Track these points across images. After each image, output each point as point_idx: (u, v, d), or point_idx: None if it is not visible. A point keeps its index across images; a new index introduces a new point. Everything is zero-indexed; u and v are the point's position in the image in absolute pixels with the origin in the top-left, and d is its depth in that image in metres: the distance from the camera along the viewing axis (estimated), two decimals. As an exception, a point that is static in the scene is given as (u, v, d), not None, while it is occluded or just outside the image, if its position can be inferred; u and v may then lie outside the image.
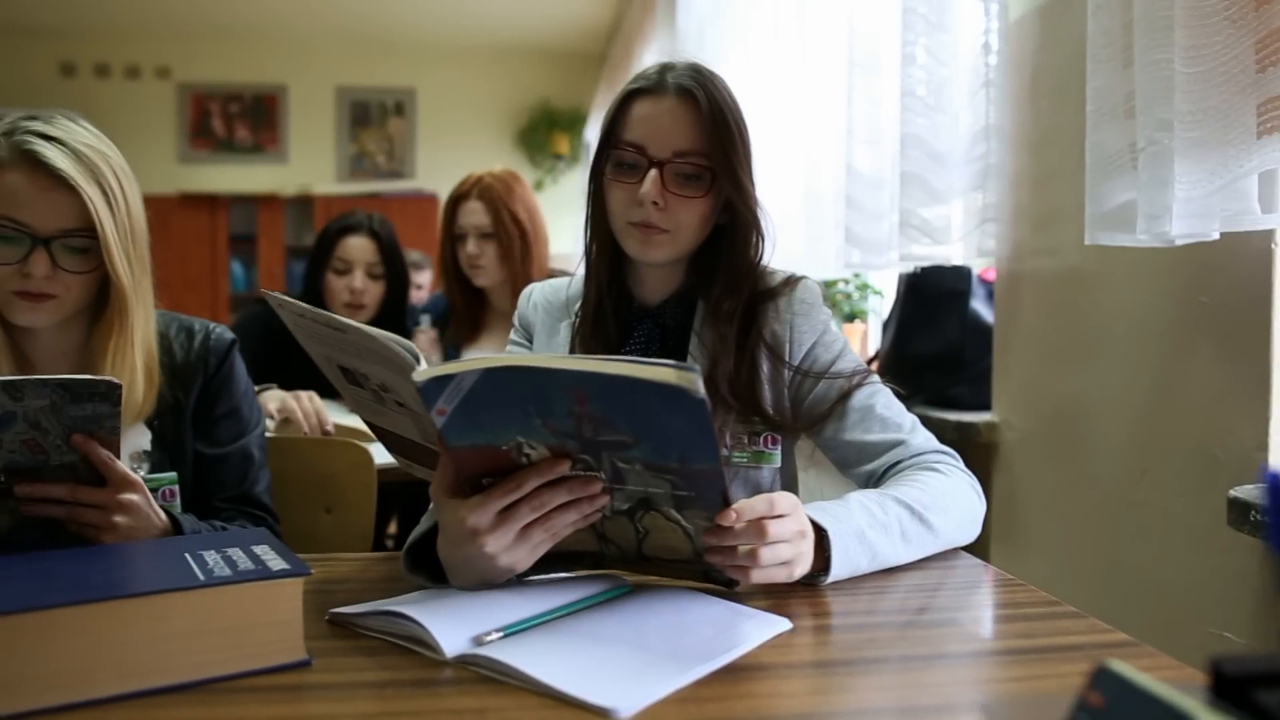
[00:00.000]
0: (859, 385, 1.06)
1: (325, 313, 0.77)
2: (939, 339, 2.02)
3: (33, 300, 1.03)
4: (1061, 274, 1.58)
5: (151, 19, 5.55)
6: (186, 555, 0.72)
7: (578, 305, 1.16)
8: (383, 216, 2.26)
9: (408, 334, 2.20)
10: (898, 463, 1.02)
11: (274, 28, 5.71)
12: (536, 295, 1.20)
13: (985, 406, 1.82)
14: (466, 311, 2.10)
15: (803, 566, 0.81)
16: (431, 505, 0.96)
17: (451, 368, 0.68)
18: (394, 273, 2.18)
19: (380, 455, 1.47)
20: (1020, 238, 1.70)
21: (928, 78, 1.73)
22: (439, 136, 6.06)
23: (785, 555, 0.79)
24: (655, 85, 1.06)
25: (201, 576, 0.65)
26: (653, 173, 1.03)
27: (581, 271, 1.21)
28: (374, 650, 0.71)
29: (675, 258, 1.09)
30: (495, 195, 2.05)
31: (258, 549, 0.74)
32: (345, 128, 6.05)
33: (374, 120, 6.08)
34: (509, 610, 0.74)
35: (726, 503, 0.74)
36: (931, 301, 2.03)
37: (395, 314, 2.17)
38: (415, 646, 0.70)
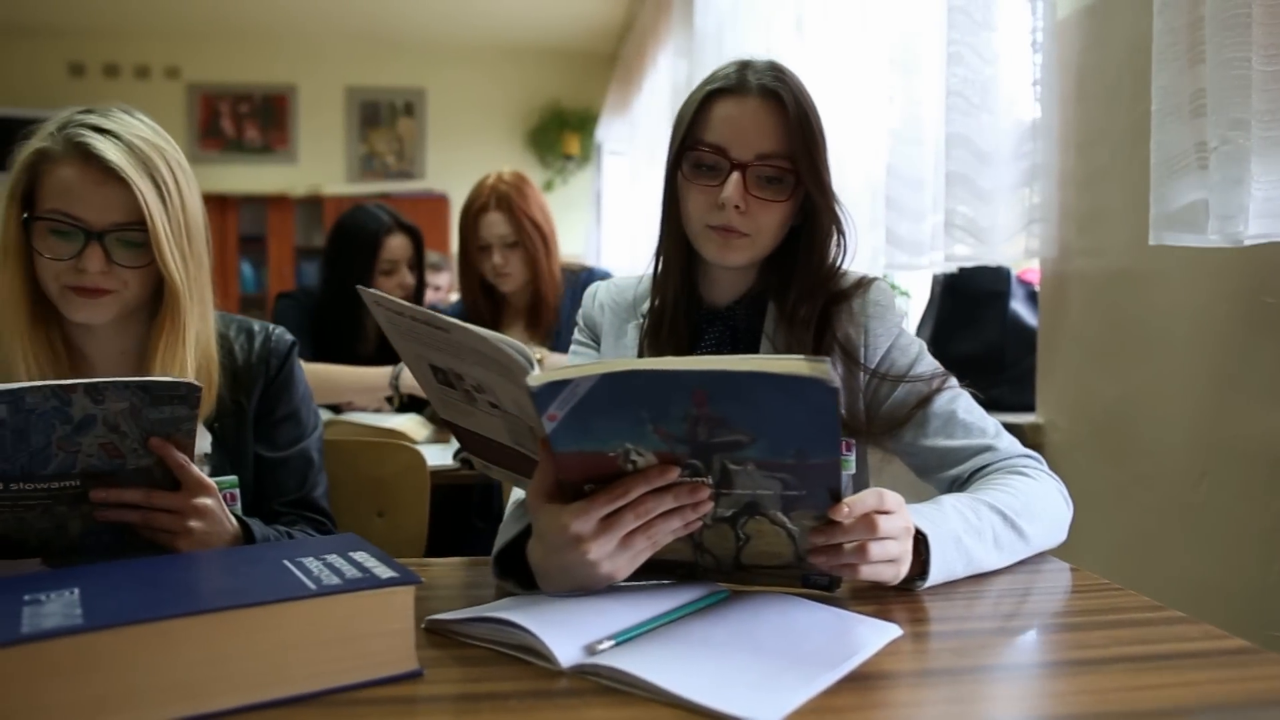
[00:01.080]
0: (939, 390, 1.04)
1: (428, 311, 0.75)
2: (978, 340, 2.00)
3: (88, 296, 1.02)
4: (1110, 274, 1.57)
5: (161, 19, 5.53)
6: (286, 563, 0.70)
7: (644, 306, 1.15)
8: (412, 223, 2.28)
9: None
10: (984, 467, 1.00)
11: (283, 28, 5.69)
12: (602, 295, 1.19)
13: (1027, 408, 1.81)
14: (488, 316, 2.10)
15: (906, 566, 0.80)
16: (509, 510, 0.95)
17: (568, 373, 0.66)
18: (421, 267, 2.24)
19: (433, 458, 1.46)
20: (1066, 238, 1.69)
21: (974, 77, 1.72)
22: (449, 137, 6.05)
23: (893, 552, 0.78)
24: (737, 85, 1.04)
25: (313, 586, 0.64)
26: (735, 175, 1.02)
27: (645, 271, 1.20)
28: (480, 660, 0.69)
29: (753, 261, 1.07)
30: (513, 203, 2.05)
31: (356, 555, 0.72)
32: (355, 128, 6.03)
33: (384, 120, 6.06)
34: (613, 617, 0.72)
35: (837, 498, 0.73)
36: (970, 302, 2.02)
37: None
38: (524, 655, 0.68)
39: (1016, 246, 1.74)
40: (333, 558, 0.71)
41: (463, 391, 0.82)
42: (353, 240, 2.23)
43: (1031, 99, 1.68)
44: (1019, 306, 1.99)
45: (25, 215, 1.01)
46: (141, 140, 1.02)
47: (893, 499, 0.78)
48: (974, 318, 1.99)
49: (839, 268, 1.08)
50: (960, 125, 1.73)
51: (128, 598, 0.62)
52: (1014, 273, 2.02)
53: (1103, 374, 1.59)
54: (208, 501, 0.92)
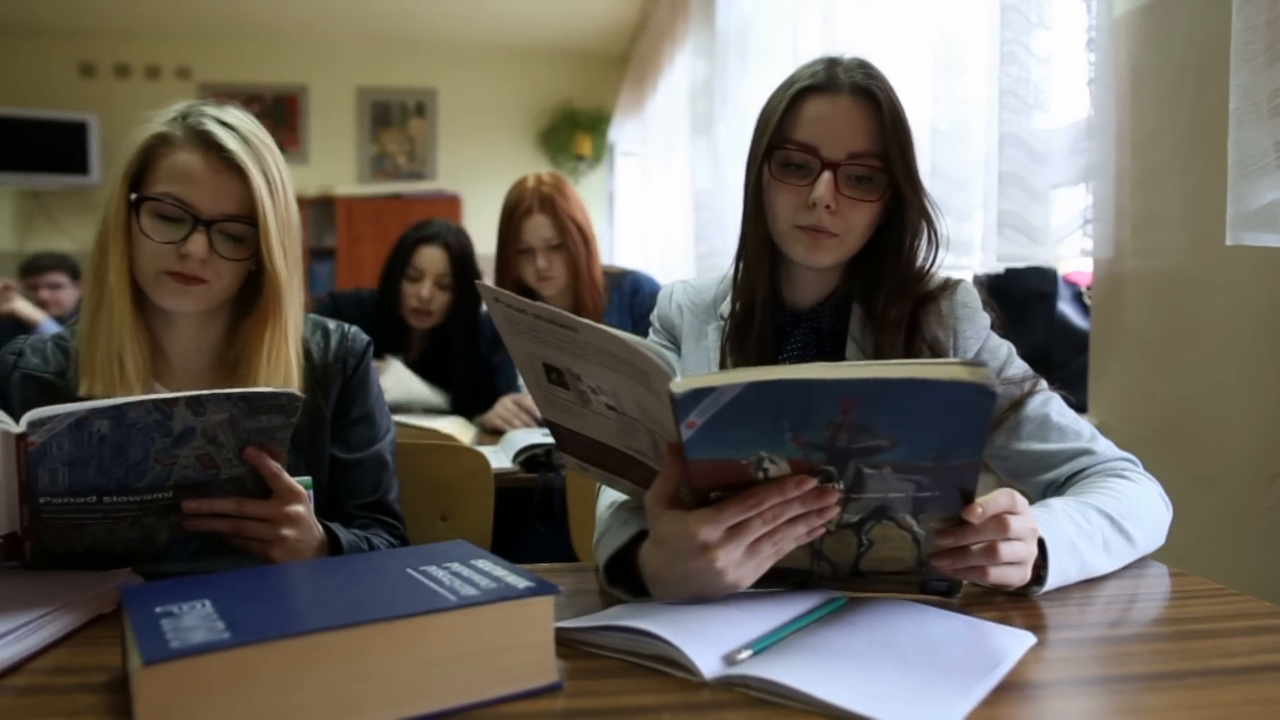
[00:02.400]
0: (1031, 393, 1.03)
1: (555, 310, 0.74)
2: (1025, 341, 1.97)
3: (183, 282, 1.02)
4: (1169, 275, 1.56)
5: (171, 19, 5.50)
6: (412, 572, 0.68)
7: (723, 308, 1.13)
8: (460, 230, 2.27)
9: (475, 347, 2.18)
10: (1081, 471, 0.99)
11: (294, 28, 5.67)
12: (679, 296, 1.17)
13: (1078, 409, 1.79)
14: None
15: (1029, 569, 0.79)
16: (607, 515, 0.93)
17: (714, 380, 0.65)
18: (464, 285, 2.20)
19: (494, 462, 1.44)
20: (1121, 238, 1.68)
21: (1027, 76, 1.71)
22: (460, 137, 6.02)
23: (1021, 554, 0.76)
24: (827, 82, 1.02)
25: (452, 597, 0.62)
26: (826, 175, 1.00)
27: (722, 272, 1.18)
28: (615, 671, 0.67)
29: (840, 262, 1.06)
30: (556, 205, 2.04)
31: (480, 564, 0.70)
32: (366, 128, 6.00)
33: (395, 121, 6.03)
34: (741, 625, 0.71)
35: (970, 499, 0.72)
36: (1016, 303, 2.01)
37: (463, 326, 2.18)
38: (659, 665, 0.67)
39: (1070, 247, 1.73)
40: (457, 566, 0.70)
41: (576, 392, 0.80)
42: (397, 245, 2.25)
43: (1086, 98, 1.66)
44: (1066, 307, 1.97)
45: (134, 197, 1.01)
46: (255, 136, 1.04)
47: (1021, 500, 0.76)
48: (1021, 318, 1.98)
49: (930, 268, 1.07)
50: (1013, 125, 1.71)
51: (266, 611, 0.61)
52: (1060, 273, 2.01)
53: (1160, 375, 1.58)
54: (299, 509, 0.90)
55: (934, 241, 1.06)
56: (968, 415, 0.65)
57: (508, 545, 1.55)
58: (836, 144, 1.00)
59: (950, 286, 1.08)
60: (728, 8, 3.56)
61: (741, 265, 1.10)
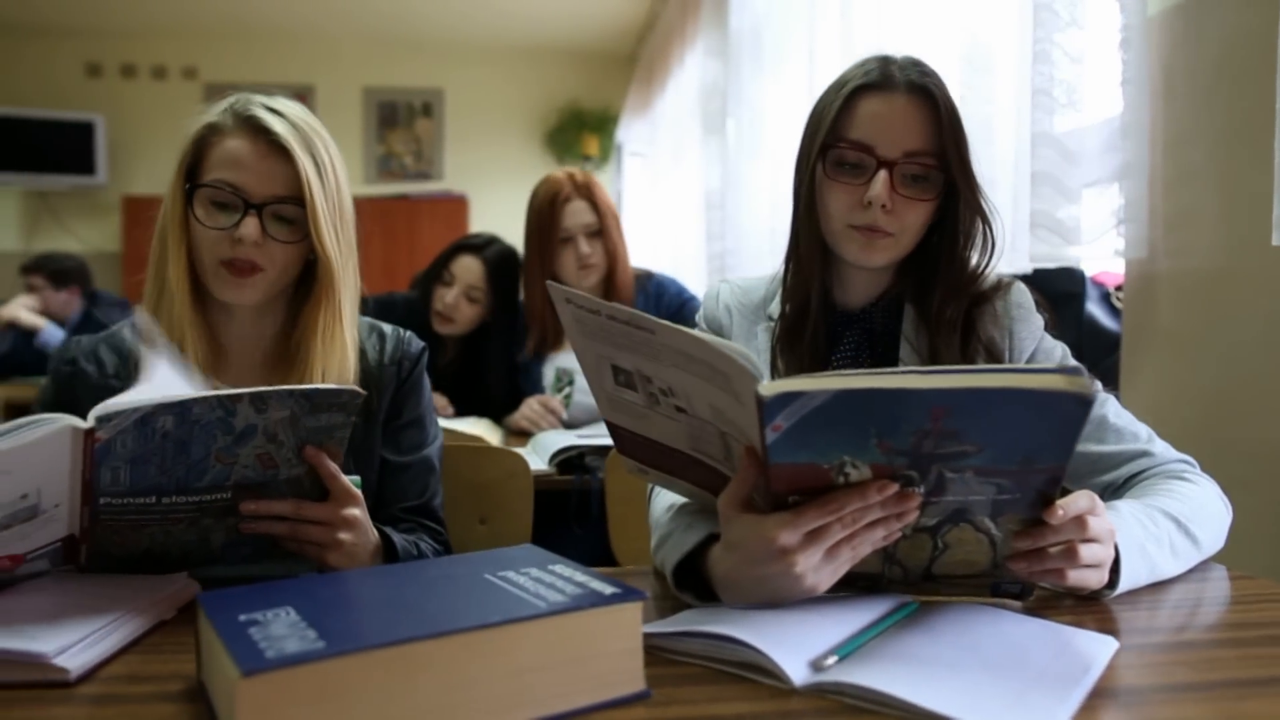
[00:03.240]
0: None
1: (631, 311, 0.73)
2: (1053, 341, 1.98)
3: (239, 274, 1.03)
4: (1204, 275, 1.55)
5: (178, 19, 5.48)
6: (490, 578, 0.67)
7: (772, 308, 1.12)
8: (510, 249, 2.25)
9: (510, 359, 2.17)
10: (1141, 472, 0.98)
11: (300, 28, 5.65)
12: (726, 296, 1.16)
13: (1109, 410, 1.78)
14: (552, 320, 2.07)
15: (1106, 572, 0.78)
16: (666, 518, 0.92)
17: (804, 384, 0.64)
18: (497, 301, 2.19)
19: (536, 463, 1.43)
20: (1155, 238, 1.67)
21: (1060, 75, 1.70)
22: (467, 137, 6.00)
23: (1100, 556, 0.76)
24: (882, 81, 1.01)
25: (542, 604, 0.61)
26: (882, 174, 0.99)
27: (770, 272, 1.17)
28: (700, 677, 0.66)
29: (894, 261, 1.05)
30: (596, 193, 2.03)
31: (558, 569, 0.69)
32: (373, 128, 5.99)
33: (402, 121, 6.02)
34: (821, 630, 0.70)
35: (1049, 501, 0.71)
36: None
37: (501, 340, 2.15)
38: (743, 672, 0.66)
39: (1102, 246, 1.72)
40: (535, 572, 0.69)
41: (646, 394, 0.79)
42: (445, 249, 2.25)
43: (1119, 97, 1.66)
44: (1094, 308, 1.97)
45: (188, 186, 1.03)
46: (303, 121, 1.05)
47: (1100, 503, 0.76)
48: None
49: (985, 269, 1.06)
50: (1046, 124, 1.71)
51: (355, 620, 0.60)
52: (1088, 274, 2.00)
53: (1195, 376, 1.57)
54: (356, 512, 0.89)
55: (990, 241, 1.05)
56: (1061, 423, 0.65)
57: (544, 547, 1.54)
58: (892, 142, 1.00)
59: (1004, 287, 1.07)
60: (741, 7, 3.55)
61: (793, 266, 1.09)
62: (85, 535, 0.81)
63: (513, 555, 0.74)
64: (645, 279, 2.14)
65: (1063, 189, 1.72)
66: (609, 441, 1.59)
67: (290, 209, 1.03)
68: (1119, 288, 2.03)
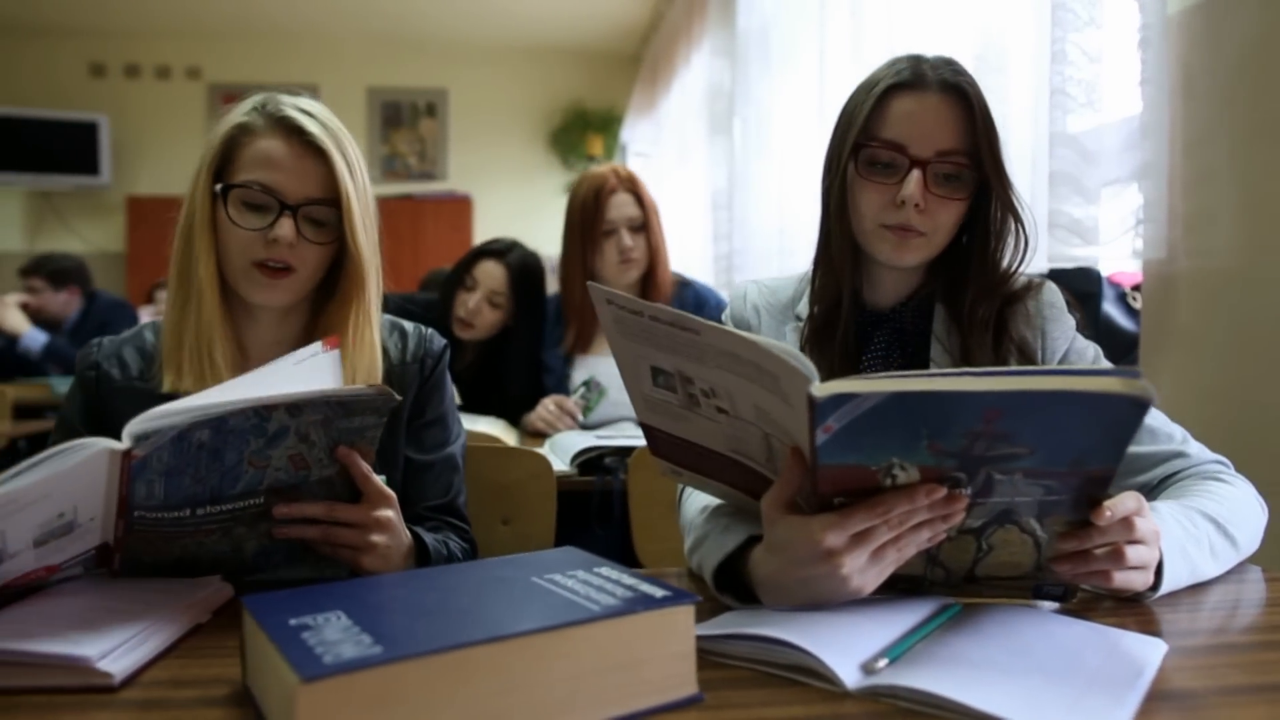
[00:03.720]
0: None
1: (675, 311, 0.72)
2: (1069, 342, 1.98)
3: (271, 276, 1.02)
4: (1225, 276, 1.55)
5: (182, 19, 5.48)
6: (538, 581, 0.67)
7: (800, 307, 1.12)
8: (531, 254, 2.25)
9: (532, 361, 2.16)
10: (1176, 473, 0.98)
11: (304, 28, 5.65)
12: (754, 296, 1.15)
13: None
14: (590, 316, 2.06)
15: (1151, 574, 0.77)
16: (700, 520, 0.91)
17: (858, 386, 0.63)
18: (519, 306, 2.17)
19: (557, 464, 1.43)
20: (1174, 239, 1.67)
21: (1079, 75, 1.69)
22: (471, 137, 5.99)
23: (1145, 558, 0.75)
24: (915, 80, 1.01)
25: (595, 608, 0.60)
26: (915, 173, 0.99)
27: (799, 271, 1.17)
28: (750, 681, 0.66)
29: (926, 261, 1.04)
30: (640, 188, 2.02)
31: (604, 571, 0.69)
32: (377, 128, 5.98)
33: (406, 121, 6.01)
34: (868, 632, 0.69)
35: (1097, 502, 0.71)
36: (1059, 304, 1.99)
37: (524, 346, 2.14)
38: (793, 675, 0.65)
39: (1121, 247, 1.72)
40: (582, 574, 0.68)
41: (686, 396, 0.79)
42: (466, 253, 2.24)
43: (1138, 97, 1.65)
44: (1110, 308, 1.96)
45: (219, 187, 1.01)
46: (332, 121, 1.05)
47: (1146, 504, 0.75)
48: (1064, 319, 1.97)
49: (1018, 268, 1.06)
50: (1064, 124, 1.70)
51: (409, 624, 0.59)
52: (1103, 275, 2.00)
53: (1216, 377, 1.57)
54: (389, 514, 0.89)
55: (1023, 240, 1.05)
56: (1115, 426, 0.64)
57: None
58: (925, 141, 0.99)
59: (1035, 286, 1.07)
60: (749, 7, 3.55)
61: (823, 266, 1.09)
62: (119, 544, 0.81)
63: (555, 558, 0.73)
64: (683, 287, 2.12)
65: (1081, 189, 1.71)
66: (629, 442, 1.59)
67: (325, 210, 1.02)
68: (1135, 288, 2.03)
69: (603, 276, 2.04)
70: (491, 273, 2.17)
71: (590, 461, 1.61)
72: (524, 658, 0.56)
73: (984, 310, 1.03)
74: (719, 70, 3.98)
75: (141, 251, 5.45)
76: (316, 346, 0.89)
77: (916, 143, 0.99)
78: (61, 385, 3.31)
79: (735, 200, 3.78)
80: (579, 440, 1.64)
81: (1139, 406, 0.62)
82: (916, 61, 1.03)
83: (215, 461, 0.80)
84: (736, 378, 0.72)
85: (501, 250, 2.20)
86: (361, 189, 1.04)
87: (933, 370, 0.73)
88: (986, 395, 0.63)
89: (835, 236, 1.07)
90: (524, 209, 5.56)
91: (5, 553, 0.71)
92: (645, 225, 2.01)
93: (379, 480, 0.88)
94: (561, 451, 1.63)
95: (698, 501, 0.95)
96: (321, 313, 1.09)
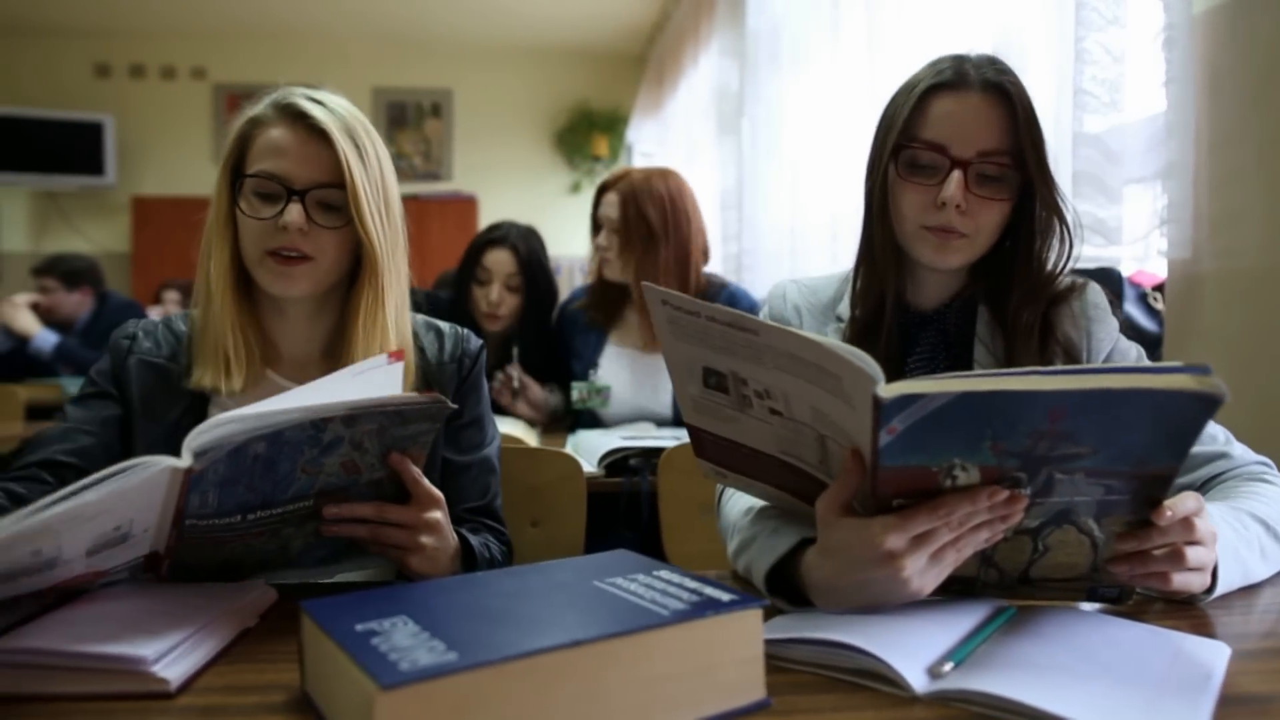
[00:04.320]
0: None
1: (733, 312, 0.72)
2: (1090, 342, 1.97)
3: (285, 264, 1.01)
4: (1250, 276, 1.54)
5: (186, 20, 5.47)
6: (600, 585, 0.66)
7: (841, 308, 1.11)
8: (530, 231, 2.24)
9: (550, 347, 2.16)
10: (1220, 474, 0.97)
11: (309, 28, 5.64)
12: (794, 296, 1.15)
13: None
14: (612, 303, 2.06)
15: (1209, 575, 0.77)
16: (745, 522, 0.91)
17: (925, 386, 0.63)
18: (534, 286, 2.18)
19: (586, 466, 1.42)
20: (1199, 239, 1.66)
21: (1103, 75, 1.69)
22: (477, 138, 5.99)
23: (1204, 559, 0.75)
24: (956, 80, 1.00)
25: (665, 612, 0.60)
26: (956, 174, 0.98)
27: (840, 271, 1.16)
28: (814, 685, 0.65)
29: (969, 262, 1.04)
30: (632, 190, 2.01)
31: (664, 574, 0.68)
32: (382, 129, 5.94)
33: (411, 121, 6.00)
34: (929, 636, 0.69)
35: (1157, 503, 0.70)
36: (1079, 304, 1.99)
37: (534, 327, 2.16)
38: (857, 679, 0.65)
39: (1149, 247, 1.71)
40: (643, 578, 0.68)
41: (737, 397, 0.78)
42: (467, 249, 2.24)
43: (1162, 97, 1.65)
44: (1131, 309, 1.96)
45: (234, 180, 1.02)
46: (344, 110, 1.04)
47: (1205, 504, 0.75)
48: (1085, 319, 1.96)
49: (1063, 269, 1.05)
50: (1088, 124, 1.70)
51: (480, 630, 0.58)
52: (1124, 275, 1.99)
53: (1242, 378, 1.56)
54: (438, 515, 0.88)
55: (1067, 241, 1.04)
56: (1182, 423, 0.64)
57: (593, 551, 1.53)
58: (966, 142, 0.99)
59: (1079, 287, 1.07)
60: (759, 7, 3.54)
61: (864, 268, 1.08)
62: (170, 552, 0.80)
63: (611, 561, 0.73)
64: (719, 288, 2.11)
65: (1104, 188, 1.71)
66: (656, 443, 1.59)
67: (334, 194, 1.02)
68: (1156, 288, 2.02)
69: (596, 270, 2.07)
70: (501, 260, 2.18)
71: (614, 463, 1.60)
72: (600, 664, 0.56)
73: (1029, 312, 1.02)
74: (727, 70, 3.97)
75: (147, 252, 5.44)
76: (381, 359, 0.88)
77: (957, 143, 0.99)
78: (72, 386, 3.31)
79: (744, 200, 3.78)
80: (604, 441, 1.63)
81: (1209, 404, 0.62)
82: (959, 61, 1.03)
83: (269, 471, 0.79)
84: (794, 379, 0.72)
85: (502, 235, 2.21)
86: (375, 174, 1.04)
87: (997, 370, 0.72)
88: (1055, 394, 0.63)
89: (877, 238, 1.06)
90: (529, 209, 5.54)
91: (59, 560, 0.70)
92: (621, 230, 2.00)
93: (429, 483, 0.88)
94: (587, 453, 1.63)
95: (741, 503, 0.95)
96: (354, 311, 1.08)
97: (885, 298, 1.05)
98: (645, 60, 5.78)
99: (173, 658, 0.68)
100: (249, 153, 1.03)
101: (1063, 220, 1.03)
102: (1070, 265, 1.06)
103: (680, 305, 0.75)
